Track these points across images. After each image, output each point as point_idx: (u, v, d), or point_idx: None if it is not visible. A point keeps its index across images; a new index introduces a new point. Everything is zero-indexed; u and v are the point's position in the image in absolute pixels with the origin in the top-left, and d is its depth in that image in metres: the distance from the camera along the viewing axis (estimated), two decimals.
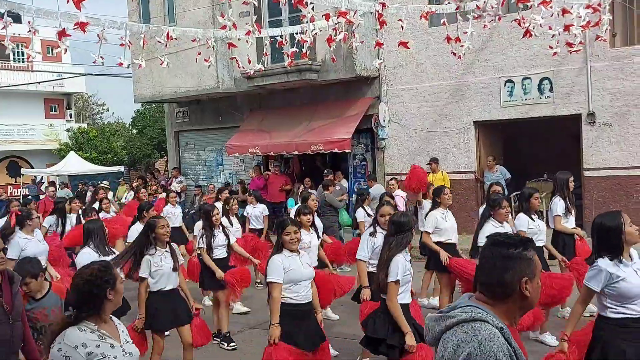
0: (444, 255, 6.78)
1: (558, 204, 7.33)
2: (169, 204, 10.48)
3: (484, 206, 7.18)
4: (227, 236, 7.50)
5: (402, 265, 4.65)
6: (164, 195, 12.43)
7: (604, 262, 3.90)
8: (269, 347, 4.74)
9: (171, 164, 18.73)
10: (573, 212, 7.44)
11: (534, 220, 6.79)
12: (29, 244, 7.05)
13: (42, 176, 25.82)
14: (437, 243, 6.98)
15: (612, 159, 11.69)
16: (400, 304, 4.67)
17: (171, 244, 5.81)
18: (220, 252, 7.34)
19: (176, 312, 5.65)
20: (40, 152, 30.77)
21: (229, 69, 14.92)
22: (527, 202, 6.87)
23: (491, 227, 6.10)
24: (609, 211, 4.28)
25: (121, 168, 25.35)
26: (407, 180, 10.23)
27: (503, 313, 2.19)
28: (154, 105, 29.64)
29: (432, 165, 12.89)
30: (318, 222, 7.85)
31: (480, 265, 2.29)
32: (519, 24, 7.44)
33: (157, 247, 5.59)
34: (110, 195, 13.95)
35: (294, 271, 4.86)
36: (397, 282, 4.61)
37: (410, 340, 4.53)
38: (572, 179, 7.56)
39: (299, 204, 11.69)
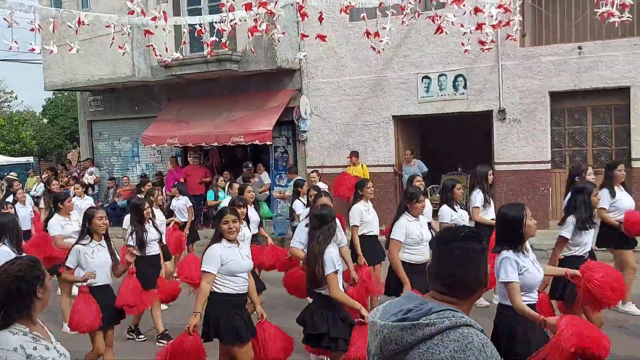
0: (361, 260, 6.85)
1: (477, 196, 7.59)
2: (75, 196, 10.07)
3: None
4: (159, 230, 7.23)
5: (335, 255, 4.74)
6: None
7: (509, 253, 4.00)
8: (182, 334, 4.71)
9: (84, 154, 17.98)
10: (492, 204, 7.71)
11: (456, 211, 7.00)
12: None
13: None
14: (361, 236, 7.09)
15: (520, 154, 12.26)
16: None
17: (109, 238, 5.57)
18: (153, 249, 6.98)
19: (106, 311, 5.41)
20: None
21: (146, 57, 14.48)
22: (451, 192, 7.08)
23: (404, 221, 5.88)
24: (512, 203, 4.41)
25: (30, 159, 24.19)
26: (337, 186, 10.73)
27: (466, 311, 2.04)
28: (65, 93, 28.37)
29: (352, 159, 13.09)
30: (255, 215, 7.75)
31: (446, 263, 2.09)
32: (433, 20, 7.63)
33: (92, 239, 5.40)
34: None
35: (233, 262, 4.83)
36: (336, 272, 4.67)
37: (365, 312, 4.60)
38: (491, 172, 7.90)
39: (220, 196, 11.59)
